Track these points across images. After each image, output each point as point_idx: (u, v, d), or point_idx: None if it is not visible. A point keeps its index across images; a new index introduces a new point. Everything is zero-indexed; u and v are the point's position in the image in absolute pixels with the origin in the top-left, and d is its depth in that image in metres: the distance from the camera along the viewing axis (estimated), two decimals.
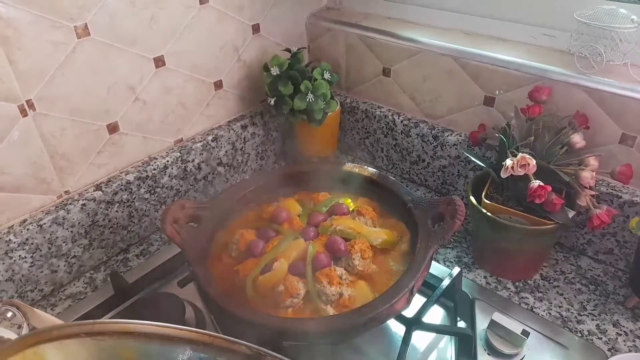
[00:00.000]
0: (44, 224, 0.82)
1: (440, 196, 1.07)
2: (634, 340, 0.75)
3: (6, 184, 0.78)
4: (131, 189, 0.92)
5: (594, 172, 0.77)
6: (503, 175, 0.77)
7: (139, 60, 0.87)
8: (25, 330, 0.52)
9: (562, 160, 0.79)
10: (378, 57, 1.09)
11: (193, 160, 1.01)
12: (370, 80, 1.13)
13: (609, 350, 0.73)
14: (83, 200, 0.86)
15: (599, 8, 0.78)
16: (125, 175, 0.92)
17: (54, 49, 0.76)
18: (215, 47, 0.99)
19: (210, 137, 1.03)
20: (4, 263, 0.78)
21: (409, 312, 0.70)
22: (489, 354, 0.72)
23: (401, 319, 0.71)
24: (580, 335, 0.76)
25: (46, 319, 0.54)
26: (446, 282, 0.76)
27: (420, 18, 1.06)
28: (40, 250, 0.82)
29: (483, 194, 0.83)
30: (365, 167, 0.86)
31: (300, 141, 1.17)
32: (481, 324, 0.76)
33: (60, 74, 0.78)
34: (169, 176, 0.98)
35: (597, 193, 0.81)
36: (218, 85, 1.03)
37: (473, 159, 0.89)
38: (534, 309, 0.80)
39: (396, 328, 0.76)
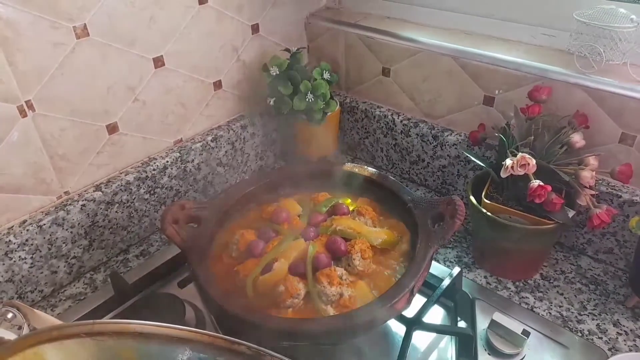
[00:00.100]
0: (44, 224, 0.82)
1: (440, 196, 1.07)
2: (634, 340, 0.75)
3: (6, 185, 0.78)
4: (131, 189, 0.92)
5: (594, 172, 0.77)
6: (503, 175, 0.77)
7: (138, 60, 0.87)
8: (25, 331, 0.52)
9: (562, 160, 0.79)
10: (378, 57, 1.09)
11: (193, 161, 1.01)
12: (369, 80, 1.13)
13: (610, 349, 0.73)
14: (83, 200, 0.86)
15: (599, 8, 0.79)
16: (125, 175, 0.92)
17: (53, 49, 0.76)
18: (214, 47, 0.99)
19: (209, 138, 1.03)
20: (3, 264, 0.78)
21: (410, 312, 0.70)
22: (489, 354, 0.72)
23: (401, 319, 0.71)
24: (580, 334, 0.76)
25: (46, 319, 0.54)
26: (446, 282, 0.76)
27: (419, 18, 1.06)
28: (40, 251, 0.82)
29: (483, 193, 0.83)
30: (365, 167, 0.86)
31: (300, 141, 1.17)
32: (481, 323, 0.76)
33: (60, 75, 0.78)
34: (169, 176, 0.98)
35: (597, 192, 0.81)
36: (217, 85, 1.03)
37: (473, 158, 0.89)
38: (534, 309, 0.80)
39: (396, 328, 0.76)
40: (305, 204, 0.83)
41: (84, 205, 0.86)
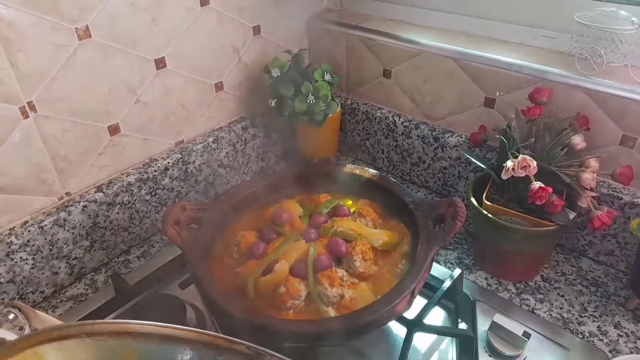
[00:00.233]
0: (45, 225, 0.82)
1: (441, 198, 1.07)
2: (635, 342, 0.74)
3: (7, 186, 0.78)
4: (132, 190, 0.92)
5: (595, 174, 0.77)
6: (504, 176, 0.77)
7: (139, 61, 0.88)
8: (27, 332, 0.52)
9: (563, 162, 0.79)
10: (379, 59, 1.09)
11: (194, 162, 1.01)
12: (370, 82, 1.13)
13: (610, 351, 0.73)
14: (84, 201, 0.86)
15: (599, 10, 0.79)
16: (126, 176, 0.92)
17: (55, 50, 0.76)
18: (215, 49, 0.99)
19: (211, 139, 1.03)
20: (5, 265, 0.78)
21: (410, 314, 0.70)
22: (490, 356, 0.72)
23: (402, 320, 0.71)
24: (581, 336, 0.76)
25: (48, 320, 0.54)
26: (447, 284, 0.76)
27: (420, 20, 1.06)
28: (42, 252, 0.82)
29: (484, 195, 0.83)
30: (366, 168, 0.86)
31: (301, 143, 1.17)
32: (482, 325, 0.76)
33: (62, 76, 0.78)
34: (170, 178, 0.98)
35: (597, 194, 0.81)
36: (219, 86, 1.04)
37: (474, 160, 0.89)
38: (535, 311, 0.80)
39: (397, 330, 0.76)
40: (306, 205, 0.84)
41: (85, 206, 0.86)
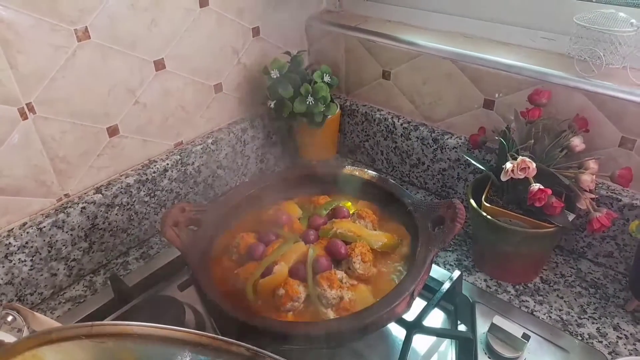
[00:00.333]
0: (44, 227, 0.82)
1: (440, 199, 1.07)
2: (634, 344, 0.74)
3: (6, 187, 0.78)
4: (131, 192, 0.92)
5: (594, 176, 0.77)
6: (503, 178, 0.77)
7: (139, 63, 0.88)
8: (25, 334, 0.52)
9: (562, 164, 0.79)
10: (378, 60, 1.09)
11: (193, 163, 1.01)
12: (370, 83, 1.13)
13: (610, 353, 0.73)
14: (83, 203, 0.86)
15: (599, 12, 0.79)
16: (125, 178, 0.92)
17: (54, 52, 0.76)
18: (215, 50, 0.99)
19: (210, 140, 1.03)
20: (3, 266, 0.78)
21: (410, 316, 0.70)
22: (489, 358, 0.72)
23: (402, 322, 0.70)
24: (580, 338, 0.75)
25: (46, 322, 0.54)
26: (446, 286, 0.76)
27: (420, 21, 1.06)
28: (40, 254, 0.82)
29: (483, 197, 0.83)
30: (365, 170, 0.86)
31: (300, 144, 1.17)
32: (482, 327, 0.76)
33: (61, 77, 0.78)
34: (169, 179, 0.98)
35: (597, 196, 0.81)
36: (218, 88, 1.04)
37: (473, 162, 0.89)
38: (535, 312, 0.80)
39: (397, 332, 0.76)
40: (306, 207, 0.84)
41: (84, 207, 0.86)
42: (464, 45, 0.96)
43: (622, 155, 0.83)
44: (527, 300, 0.82)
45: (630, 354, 0.73)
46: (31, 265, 0.82)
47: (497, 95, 0.93)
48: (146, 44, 0.87)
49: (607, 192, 0.83)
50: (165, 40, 0.90)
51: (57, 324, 0.55)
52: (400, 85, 1.08)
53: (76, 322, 0.79)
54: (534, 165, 0.75)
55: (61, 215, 0.83)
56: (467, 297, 0.81)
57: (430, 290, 0.77)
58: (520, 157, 0.76)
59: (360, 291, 0.69)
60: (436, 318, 0.80)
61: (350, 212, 0.81)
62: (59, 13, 0.75)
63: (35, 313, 0.54)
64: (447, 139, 1.01)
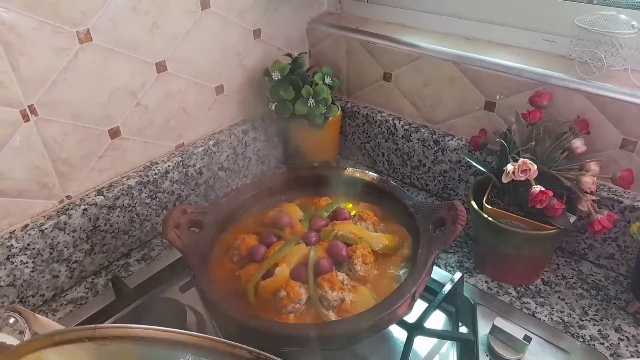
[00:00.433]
0: (46, 229, 0.82)
1: (442, 201, 1.07)
2: (636, 346, 0.74)
3: (8, 189, 0.78)
4: (132, 193, 0.92)
5: (595, 177, 0.77)
6: (504, 180, 0.77)
7: (140, 65, 0.88)
8: (27, 336, 0.52)
9: (563, 165, 0.79)
10: (379, 62, 1.09)
11: (194, 165, 1.01)
12: (371, 85, 1.13)
13: (611, 355, 0.73)
14: (84, 205, 0.86)
15: (600, 14, 0.79)
16: (127, 180, 0.92)
17: (56, 54, 0.77)
18: (216, 52, 1.00)
19: (211, 142, 1.03)
20: (5, 268, 0.78)
21: (411, 318, 0.70)
22: (490, 359, 0.72)
23: (403, 324, 0.70)
24: (582, 340, 0.75)
25: (48, 324, 0.54)
26: (448, 287, 0.76)
27: (421, 23, 1.06)
28: (42, 255, 0.82)
29: (484, 198, 0.83)
30: (366, 171, 0.86)
31: (302, 146, 1.17)
32: (483, 329, 0.76)
33: (63, 80, 0.79)
34: (170, 181, 0.98)
35: (598, 198, 0.81)
36: (219, 90, 1.04)
37: (474, 163, 0.89)
38: (536, 314, 0.80)
39: (398, 334, 0.76)
40: (307, 208, 0.84)
41: (85, 209, 0.86)
42: (465, 47, 0.96)
43: (623, 157, 0.83)
44: (528, 302, 0.82)
45: (632, 356, 0.73)
46: (33, 267, 0.82)
47: (498, 97, 0.93)
48: (148, 46, 0.87)
49: (608, 194, 0.83)
50: (166, 42, 0.90)
51: (58, 326, 0.55)
52: (401, 87, 1.08)
53: (77, 324, 0.80)
54: (535, 167, 0.75)
55: (63, 217, 0.83)
56: (469, 299, 0.81)
57: (431, 292, 0.77)
58: (522, 159, 0.76)
59: (361, 293, 0.69)
60: (437, 320, 0.80)
61: (352, 214, 0.81)
62: (61, 15, 0.75)
63: (37, 315, 0.54)
64: (448, 140, 1.01)
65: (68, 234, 0.85)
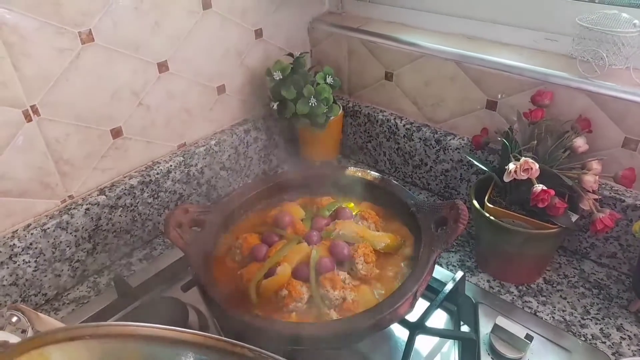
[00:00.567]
0: (48, 228, 0.82)
1: (443, 200, 1.07)
2: (638, 344, 0.74)
3: (10, 189, 0.78)
4: (134, 193, 0.92)
5: (597, 176, 0.77)
6: (506, 179, 0.77)
7: (142, 65, 0.88)
8: (30, 335, 0.52)
9: (565, 164, 0.79)
10: (380, 62, 1.09)
11: (196, 165, 1.01)
12: (372, 85, 1.13)
13: (613, 354, 0.73)
14: (87, 204, 0.86)
15: (601, 12, 0.79)
16: (129, 179, 0.92)
17: (58, 54, 0.77)
18: (218, 52, 1.00)
19: (213, 142, 1.03)
20: (8, 267, 0.79)
21: (413, 317, 0.70)
22: (492, 358, 0.72)
23: (404, 323, 0.70)
24: (584, 339, 0.75)
25: (50, 323, 0.55)
26: (449, 286, 0.76)
27: (422, 22, 1.06)
28: (44, 255, 0.83)
29: (486, 197, 0.83)
30: (368, 171, 0.87)
31: (303, 145, 1.17)
32: (484, 328, 0.76)
33: (65, 80, 0.79)
34: (172, 180, 0.98)
35: (600, 197, 0.81)
36: (221, 89, 1.04)
37: (476, 162, 0.89)
38: (538, 313, 0.80)
39: (399, 332, 0.76)
40: (309, 208, 0.84)
41: (88, 209, 0.86)
42: (466, 47, 0.96)
43: (625, 155, 0.82)
44: (530, 301, 0.82)
45: (634, 355, 0.73)
46: (35, 266, 0.82)
47: (499, 96, 0.93)
48: (149, 46, 0.88)
49: (610, 193, 0.83)
50: (168, 42, 0.90)
51: (61, 325, 0.55)
52: (402, 86, 1.08)
53: (80, 323, 0.80)
54: (537, 166, 0.75)
55: (65, 217, 0.84)
56: (470, 298, 0.81)
57: (433, 291, 0.77)
58: (523, 158, 0.76)
59: (363, 292, 0.69)
60: (439, 319, 0.80)
61: (353, 213, 0.81)
62: (63, 16, 0.75)
63: (39, 314, 0.54)
64: (450, 139, 1.01)
65: (70, 233, 0.85)
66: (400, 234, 0.78)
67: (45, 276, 0.84)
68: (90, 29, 0.79)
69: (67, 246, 0.85)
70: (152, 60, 0.89)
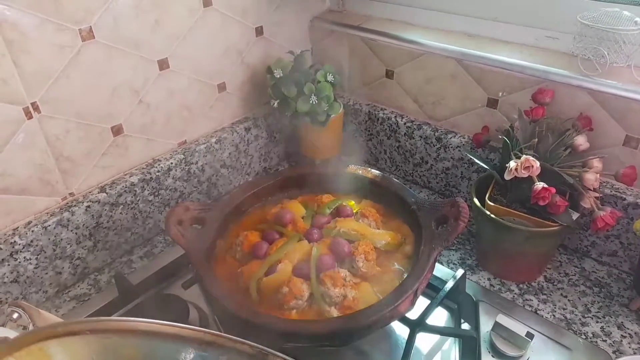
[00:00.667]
0: (49, 225, 0.82)
1: (444, 198, 1.07)
2: (638, 343, 0.74)
3: (11, 186, 0.78)
4: (135, 190, 0.92)
5: (598, 174, 0.77)
6: (507, 177, 0.77)
7: (143, 63, 0.88)
8: None
9: (566, 162, 0.79)
10: (381, 60, 1.09)
11: (197, 162, 1.01)
12: (373, 83, 1.13)
13: (614, 352, 0.73)
14: (87, 202, 0.86)
15: (603, 10, 0.78)
16: (130, 177, 0.92)
17: (59, 51, 0.77)
18: (218, 50, 1.00)
19: (213, 139, 1.03)
20: (9, 265, 0.79)
21: (413, 314, 0.70)
22: (493, 356, 0.72)
23: (405, 321, 0.70)
24: (584, 337, 0.75)
25: (51, 320, 0.55)
26: (450, 284, 0.76)
27: (423, 20, 1.06)
28: (45, 252, 0.83)
29: (487, 195, 0.83)
30: (369, 169, 0.86)
31: (304, 143, 1.17)
32: (485, 326, 0.76)
33: (65, 77, 0.79)
34: (173, 178, 0.98)
35: (601, 195, 0.81)
36: (221, 87, 1.04)
37: (476, 160, 0.89)
38: (538, 311, 0.80)
39: (400, 330, 0.76)
40: (309, 205, 0.84)
41: (88, 206, 0.86)
42: (467, 45, 0.96)
43: (626, 153, 0.82)
44: (530, 299, 0.82)
45: (635, 353, 0.73)
46: (36, 264, 0.82)
47: (500, 94, 0.93)
48: (150, 43, 0.88)
49: (611, 191, 0.83)
50: (169, 40, 0.90)
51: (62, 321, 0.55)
52: (403, 84, 1.08)
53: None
54: (538, 164, 0.75)
55: (66, 214, 0.84)
56: (471, 296, 0.81)
57: (433, 289, 0.77)
58: (524, 155, 0.76)
59: (363, 290, 0.69)
60: (440, 317, 0.80)
61: (354, 211, 0.81)
62: (63, 13, 0.75)
63: (40, 310, 0.54)
64: (451, 138, 1.01)
65: (71, 230, 0.85)
66: (400, 231, 0.78)
67: (46, 273, 0.84)
68: (90, 26, 0.79)
69: (68, 244, 0.85)
70: (153, 58, 0.89)
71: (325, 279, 0.67)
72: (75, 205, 0.85)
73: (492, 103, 0.95)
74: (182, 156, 0.98)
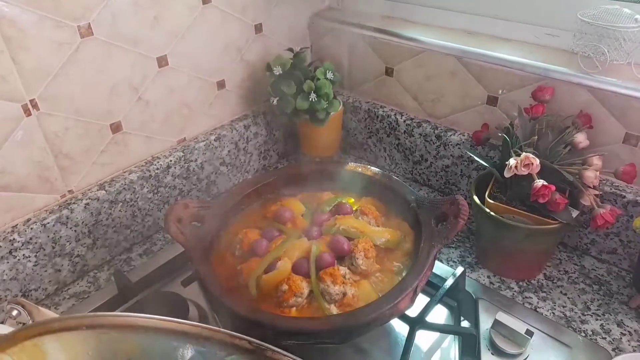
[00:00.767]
0: (48, 223, 0.82)
1: (444, 196, 1.07)
2: (638, 340, 0.74)
3: (10, 184, 0.78)
4: (134, 188, 0.92)
5: (598, 172, 0.77)
6: (506, 174, 0.77)
7: (142, 60, 0.88)
8: None
9: (566, 160, 0.79)
10: (381, 57, 1.09)
11: (196, 160, 1.01)
12: (373, 80, 1.13)
13: (613, 350, 0.73)
14: (86, 199, 0.86)
15: (603, 8, 0.78)
16: (129, 174, 0.92)
17: (57, 48, 0.77)
18: (218, 47, 1.00)
19: (213, 137, 1.03)
20: (8, 262, 0.79)
21: (413, 312, 0.70)
22: (492, 354, 0.72)
23: (405, 318, 0.70)
24: (584, 335, 0.75)
25: (51, 317, 0.54)
26: (450, 282, 0.76)
27: (422, 18, 1.06)
28: (44, 250, 0.83)
29: (486, 193, 0.83)
30: (369, 166, 0.86)
31: (303, 141, 1.17)
32: (485, 323, 0.76)
33: (64, 74, 0.79)
34: (172, 176, 0.98)
35: (600, 192, 0.81)
36: (221, 85, 1.04)
37: (476, 158, 0.88)
38: (538, 309, 0.80)
39: (400, 328, 0.76)
40: (309, 203, 0.84)
41: (87, 204, 0.86)
42: (467, 42, 0.96)
43: (626, 151, 0.82)
44: (530, 297, 0.82)
45: (634, 351, 0.73)
46: (35, 261, 0.82)
47: (500, 91, 0.93)
48: (149, 40, 0.87)
49: (611, 189, 0.83)
50: (168, 37, 0.90)
51: None
52: (403, 81, 1.07)
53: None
54: (538, 161, 0.75)
55: (65, 212, 0.84)
56: (470, 294, 0.81)
57: (433, 287, 0.77)
58: (524, 153, 0.75)
59: (363, 287, 0.69)
60: (439, 314, 0.80)
61: (354, 209, 0.81)
62: (62, 10, 0.75)
63: (40, 308, 0.54)
64: (451, 135, 1.01)
65: (70, 228, 0.85)
66: (400, 229, 0.78)
67: (46, 271, 0.84)
68: (89, 23, 0.79)
69: (67, 241, 0.85)
70: (152, 55, 0.89)
71: (324, 276, 0.67)
72: (74, 203, 0.85)
73: (492, 100, 0.95)
74: (182, 154, 0.98)
